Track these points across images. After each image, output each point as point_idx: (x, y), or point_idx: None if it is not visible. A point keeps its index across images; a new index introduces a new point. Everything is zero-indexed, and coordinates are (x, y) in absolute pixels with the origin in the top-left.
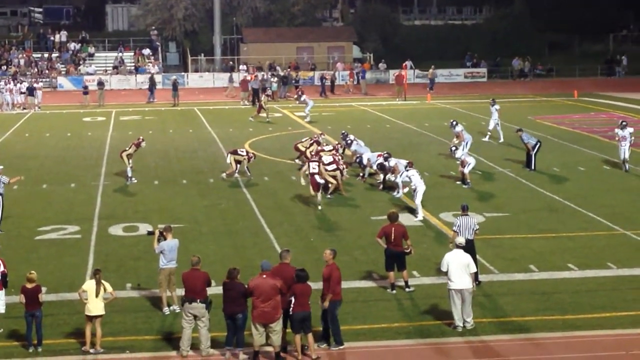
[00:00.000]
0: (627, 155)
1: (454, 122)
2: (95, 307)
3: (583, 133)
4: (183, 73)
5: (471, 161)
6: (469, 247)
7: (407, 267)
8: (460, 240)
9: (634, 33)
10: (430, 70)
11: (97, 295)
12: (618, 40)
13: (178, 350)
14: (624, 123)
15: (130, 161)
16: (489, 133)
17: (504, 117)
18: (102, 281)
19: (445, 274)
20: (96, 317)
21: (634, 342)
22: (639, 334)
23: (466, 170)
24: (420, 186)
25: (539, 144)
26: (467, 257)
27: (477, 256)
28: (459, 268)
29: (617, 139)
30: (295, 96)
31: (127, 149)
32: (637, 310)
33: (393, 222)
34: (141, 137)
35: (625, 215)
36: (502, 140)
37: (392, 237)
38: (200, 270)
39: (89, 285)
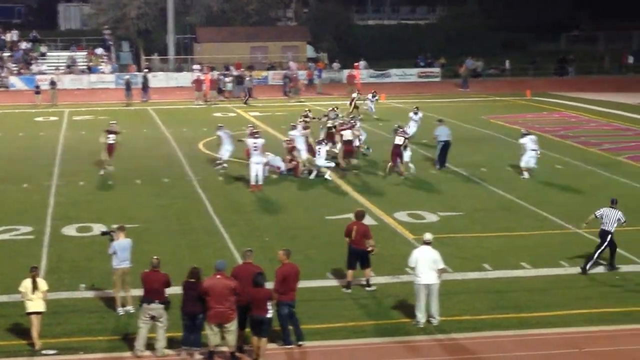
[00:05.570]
0: None
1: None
2: (33, 304)
3: (536, 132)
4: (137, 72)
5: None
6: (610, 240)
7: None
8: (428, 237)
9: (586, 33)
10: (463, 67)
11: (33, 292)
12: (570, 40)
13: (133, 350)
14: None
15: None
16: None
17: (458, 116)
18: (37, 279)
19: (413, 269)
20: (36, 314)
21: (587, 339)
22: (592, 332)
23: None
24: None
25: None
26: (435, 253)
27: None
28: (426, 264)
29: None
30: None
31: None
32: (590, 308)
33: (357, 220)
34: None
35: (578, 213)
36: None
37: (354, 235)
38: (160, 271)
39: (26, 283)
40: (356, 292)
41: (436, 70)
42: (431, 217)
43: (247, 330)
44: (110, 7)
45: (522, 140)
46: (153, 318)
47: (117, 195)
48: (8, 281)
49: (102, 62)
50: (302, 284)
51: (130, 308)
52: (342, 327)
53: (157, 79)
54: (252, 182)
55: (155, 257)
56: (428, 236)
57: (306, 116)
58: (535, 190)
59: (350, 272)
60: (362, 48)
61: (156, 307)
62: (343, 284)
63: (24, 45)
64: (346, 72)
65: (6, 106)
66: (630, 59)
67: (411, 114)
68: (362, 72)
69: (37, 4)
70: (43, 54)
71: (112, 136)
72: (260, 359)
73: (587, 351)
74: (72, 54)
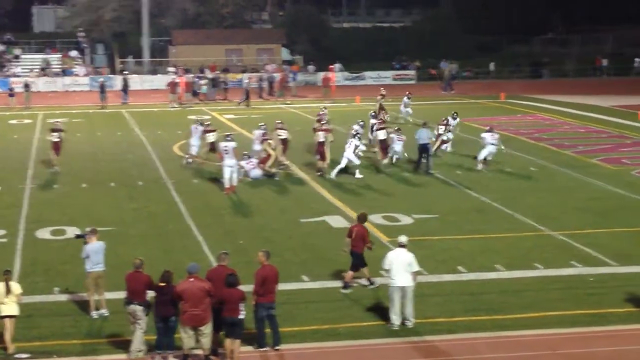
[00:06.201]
0: None
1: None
2: (6, 307)
3: (510, 135)
4: (111, 75)
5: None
6: None
7: (338, 270)
8: (402, 239)
9: (561, 36)
10: (447, 69)
11: (6, 296)
12: (545, 43)
13: (106, 354)
14: None
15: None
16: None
17: (432, 118)
18: (10, 282)
19: (387, 272)
20: (9, 317)
21: (560, 341)
22: (565, 334)
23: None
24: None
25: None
26: (410, 256)
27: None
28: (400, 266)
29: None
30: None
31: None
32: (563, 309)
33: (358, 223)
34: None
35: (551, 216)
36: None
37: (353, 237)
38: (143, 272)
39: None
40: (331, 294)
41: (411, 72)
42: (406, 220)
43: (222, 333)
44: (84, 9)
45: (483, 135)
46: (133, 318)
47: (91, 198)
48: None
49: (77, 64)
50: (277, 286)
51: (104, 311)
52: (317, 329)
53: (132, 82)
54: (227, 185)
55: (137, 258)
56: (403, 239)
57: (323, 113)
58: (509, 193)
59: (364, 270)
60: (337, 50)
61: (135, 309)
62: (364, 284)
63: None
64: (321, 74)
65: None
66: (605, 62)
67: (449, 118)
68: (337, 75)
69: (11, 6)
70: (17, 57)
71: (56, 134)
72: None
73: (561, 353)
74: (47, 56)
